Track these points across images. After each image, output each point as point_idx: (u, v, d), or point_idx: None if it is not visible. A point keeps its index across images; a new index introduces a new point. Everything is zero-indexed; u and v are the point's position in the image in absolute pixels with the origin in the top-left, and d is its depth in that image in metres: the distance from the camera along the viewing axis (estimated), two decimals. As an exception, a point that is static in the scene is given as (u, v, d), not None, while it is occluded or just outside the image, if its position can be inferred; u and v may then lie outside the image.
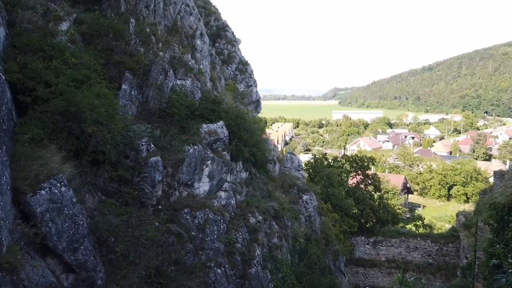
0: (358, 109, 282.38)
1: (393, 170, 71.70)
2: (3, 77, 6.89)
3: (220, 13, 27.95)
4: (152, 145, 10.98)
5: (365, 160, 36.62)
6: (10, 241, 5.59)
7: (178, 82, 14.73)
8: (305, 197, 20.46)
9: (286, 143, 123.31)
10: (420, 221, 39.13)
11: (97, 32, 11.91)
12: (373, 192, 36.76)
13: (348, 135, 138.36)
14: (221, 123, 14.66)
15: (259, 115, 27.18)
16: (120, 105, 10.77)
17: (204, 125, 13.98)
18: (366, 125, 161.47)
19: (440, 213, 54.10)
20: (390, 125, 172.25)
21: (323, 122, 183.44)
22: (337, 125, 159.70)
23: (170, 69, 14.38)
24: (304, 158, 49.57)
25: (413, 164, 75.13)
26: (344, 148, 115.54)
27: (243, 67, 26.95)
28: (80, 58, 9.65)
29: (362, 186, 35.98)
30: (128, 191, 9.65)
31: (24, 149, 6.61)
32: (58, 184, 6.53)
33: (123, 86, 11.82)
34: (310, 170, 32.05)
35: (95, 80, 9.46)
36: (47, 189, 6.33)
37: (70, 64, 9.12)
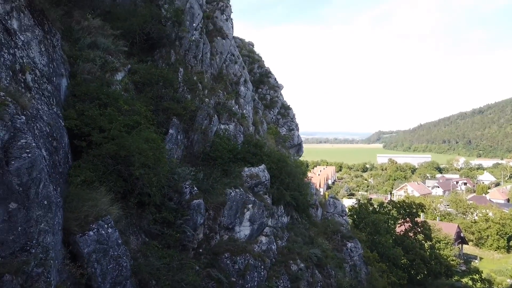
0: (404, 153, 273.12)
1: (445, 217, 67.37)
2: (62, 123, 7.46)
3: (263, 61, 29.00)
4: (195, 188, 11.19)
5: (414, 206, 34.84)
6: (58, 281, 5.76)
7: (222, 126, 15.18)
8: (349, 244, 19.59)
9: (328, 187, 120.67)
10: (477, 275, 35.82)
11: (149, 80, 12.72)
12: (423, 241, 34.54)
13: (394, 179, 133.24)
14: (262, 166, 14.74)
15: (301, 158, 27.08)
16: (166, 149, 11.20)
17: (246, 169, 14.11)
18: (413, 170, 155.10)
19: (499, 266, 49.39)
20: (440, 170, 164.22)
21: (367, 166, 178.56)
22: (382, 169, 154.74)
23: (215, 114, 14.91)
24: (348, 203, 48.05)
25: (466, 211, 70.26)
26: (391, 193, 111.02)
27: (285, 111, 27.37)
28: (132, 105, 10.28)
29: (411, 234, 33.98)
30: (170, 234, 9.77)
31: (77, 191, 6.98)
32: (106, 225, 6.76)
33: (170, 131, 12.35)
34: (355, 216, 30.89)
35: (144, 125, 9.97)
36: (95, 230, 6.57)
37: (122, 110, 9.73)
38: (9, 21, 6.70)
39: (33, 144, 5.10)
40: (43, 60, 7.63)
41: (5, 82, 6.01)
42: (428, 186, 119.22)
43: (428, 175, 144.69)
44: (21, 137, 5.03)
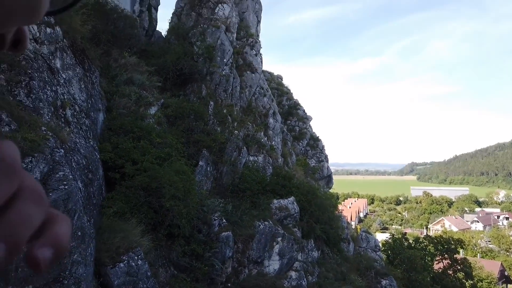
0: (439, 185, 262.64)
1: (486, 254, 63.22)
2: (98, 156, 7.75)
3: (291, 93, 29.32)
4: (224, 220, 11.15)
5: (452, 242, 32.99)
6: (88, 313, 5.79)
7: (251, 158, 15.25)
8: (384, 281, 18.65)
9: (360, 221, 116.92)
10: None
11: (180, 114, 13.11)
12: (464, 280, 32.39)
13: (430, 213, 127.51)
14: (292, 198, 14.56)
15: (331, 190, 26.58)
16: (196, 180, 11.34)
17: (275, 201, 13.97)
18: (450, 203, 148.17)
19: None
20: (479, 204, 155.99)
21: (401, 198, 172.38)
22: (417, 202, 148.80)
23: (244, 146, 15.05)
24: (381, 237, 46.23)
25: (510, 248, 65.78)
26: (427, 227, 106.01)
27: (314, 142, 27.24)
28: (164, 138, 10.58)
29: (450, 272, 31.98)
30: (199, 267, 9.69)
31: (109, 222, 7.13)
32: (136, 257, 6.81)
33: (200, 163, 12.53)
34: (389, 252, 29.54)
35: (175, 157, 10.19)
36: (125, 262, 6.62)
37: (155, 143, 10.02)
38: (53, 61, 7.18)
39: (70, 176, 5.31)
40: (83, 96, 8.07)
41: (47, 117, 6.37)
42: (467, 221, 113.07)
43: (466, 209, 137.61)
44: (59, 170, 5.25)
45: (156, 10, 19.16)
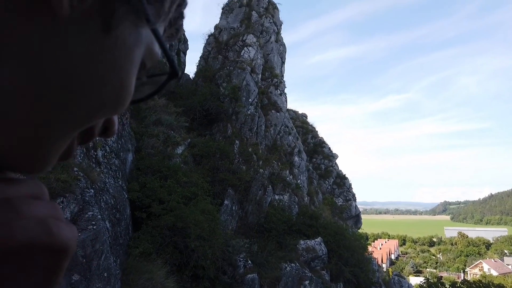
0: (475, 226, 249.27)
1: (532, 302, 58.29)
2: (126, 195, 7.89)
3: (316, 131, 29.32)
4: (250, 261, 10.90)
5: (493, 287, 30.77)
6: None
7: (276, 197, 15.10)
8: (419, 331, 17.41)
9: (392, 263, 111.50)
10: None
11: (206, 153, 13.30)
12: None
13: (467, 255, 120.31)
14: (319, 239, 14.14)
15: (360, 230, 25.69)
16: (221, 220, 11.27)
17: (302, 241, 13.61)
18: (488, 245, 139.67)
19: None
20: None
21: (435, 239, 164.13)
22: (452, 244, 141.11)
23: (269, 184, 14.96)
24: (415, 281, 43.73)
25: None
26: (464, 271, 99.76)
27: (341, 181, 26.76)
28: (190, 177, 10.70)
29: (492, 321, 29.57)
30: (224, 310, 9.40)
31: (135, 263, 7.11)
32: (160, 300, 6.70)
33: (225, 202, 12.51)
34: (424, 297, 27.78)
35: (201, 196, 10.23)
36: (149, 304, 6.52)
37: (181, 182, 10.13)
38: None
39: (99, 216, 5.40)
40: (113, 137, 8.36)
41: (79, 158, 6.60)
42: (508, 264, 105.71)
43: (506, 251, 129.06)
44: (89, 210, 5.36)
45: (185, 54, 20.08)
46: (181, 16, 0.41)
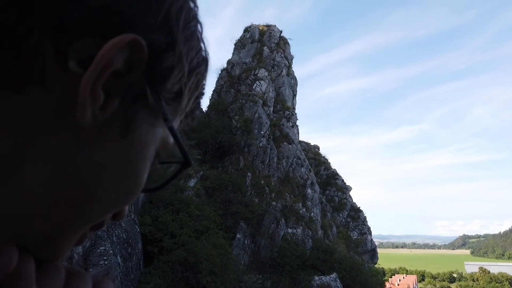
0: (497, 261, 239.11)
1: None
2: (138, 229, 7.84)
3: (329, 163, 29.13)
4: (263, 298, 10.57)
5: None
6: None
7: (289, 230, 14.82)
8: None
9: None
10: None
11: (218, 186, 13.26)
12: None
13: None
14: (334, 275, 13.69)
15: (376, 265, 24.85)
16: (234, 254, 11.05)
17: (316, 277, 13.18)
18: (511, 281, 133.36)
19: None
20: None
21: (455, 275, 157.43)
22: (474, 280, 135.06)
23: (282, 217, 14.74)
24: (436, 320, 41.54)
25: None
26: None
27: (355, 213, 26.23)
28: (202, 210, 10.63)
29: None
30: None
31: (145, 299, 6.96)
32: None
33: (238, 235, 12.31)
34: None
35: (213, 230, 10.11)
36: None
37: (193, 215, 10.06)
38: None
39: (111, 251, 5.35)
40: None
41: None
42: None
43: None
44: (101, 244, 5.33)
45: (198, 88, 20.47)
46: (198, 107, 0.42)
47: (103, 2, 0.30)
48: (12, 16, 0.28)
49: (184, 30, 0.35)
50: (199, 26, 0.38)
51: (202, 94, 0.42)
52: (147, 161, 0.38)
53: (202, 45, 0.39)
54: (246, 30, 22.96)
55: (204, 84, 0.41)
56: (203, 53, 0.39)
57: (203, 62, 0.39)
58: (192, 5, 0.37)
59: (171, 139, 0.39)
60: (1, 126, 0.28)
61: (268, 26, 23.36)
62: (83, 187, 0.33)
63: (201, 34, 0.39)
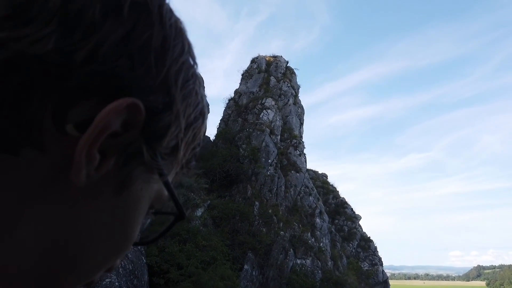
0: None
1: None
2: (144, 260, 7.72)
3: (338, 191, 28.80)
4: (271, 333, 10.21)
5: None
6: None
7: (298, 261, 14.49)
8: None
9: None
10: None
11: (226, 215, 13.14)
12: None
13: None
14: (345, 308, 13.25)
15: (389, 298, 24.01)
16: (241, 286, 10.78)
17: (327, 311, 12.76)
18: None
19: None
20: None
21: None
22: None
23: (290, 248, 14.45)
24: None
25: None
26: None
27: (366, 243, 25.64)
28: (209, 240, 10.48)
29: None
30: None
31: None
32: None
33: (245, 267, 12.05)
34: None
35: (220, 261, 9.92)
36: None
37: (200, 246, 9.91)
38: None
39: (116, 283, 5.26)
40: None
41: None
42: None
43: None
44: (106, 276, 5.23)
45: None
46: (193, 157, 0.42)
47: (104, 67, 0.29)
48: (12, 83, 0.27)
49: (182, 89, 0.35)
50: (197, 81, 0.38)
51: (199, 145, 0.42)
52: (140, 216, 0.38)
53: (199, 99, 0.39)
54: (253, 60, 23.42)
55: (201, 136, 0.41)
56: (201, 107, 0.39)
57: (201, 116, 0.39)
58: (191, 61, 0.37)
59: (166, 192, 0.38)
60: None
61: (275, 56, 23.82)
62: (76, 245, 0.33)
63: (199, 88, 0.39)
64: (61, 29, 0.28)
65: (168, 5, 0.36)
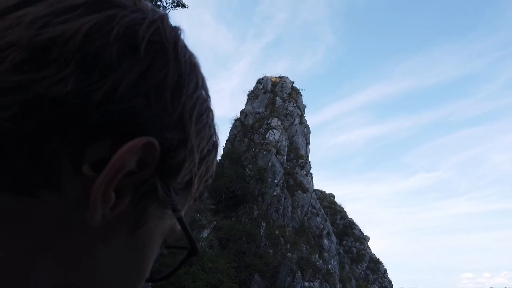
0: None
1: None
2: (150, 283, 7.61)
3: (345, 212, 28.47)
4: None
5: None
6: None
7: (306, 284, 14.19)
8: None
9: None
10: None
11: (232, 236, 13.00)
12: None
13: None
14: (355, 333, 12.86)
15: (400, 323, 23.34)
16: (248, 310, 10.55)
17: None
18: None
19: None
20: None
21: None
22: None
23: (298, 270, 14.18)
24: None
25: None
26: None
27: (375, 265, 25.12)
28: (215, 262, 10.34)
29: None
30: None
31: None
32: None
33: (252, 290, 11.82)
34: None
35: (226, 284, 9.76)
36: None
37: (206, 268, 9.77)
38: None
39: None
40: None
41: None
42: None
43: None
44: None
45: (212, 138, 20.80)
46: (206, 189, 0.42)
47: (121, 106, 0.29)
48: (32, 125, 0.27)
49: (196, 124, 0.35)
50: (210, 115, 0.38)
51: (211, 177, 0.41)
52: (154, 254, 0.38)
53: (212, 131, 0.39)
54: (259, 81, 23.67)
55: (214, 168, 0.41)
56: (213, 140, 0.39)
57: (213, 148, 0.39)
58: (204, 95, 0.38)
59: (179, 226, 0.38)
60: (16, 230, 0.29)
61: (280, 77, 24.06)
62: (90, 284, 0.32)
63: (212, 121, 0.39)
64: (79, 71, 0.28)
65: (183, 41, 0.36)
